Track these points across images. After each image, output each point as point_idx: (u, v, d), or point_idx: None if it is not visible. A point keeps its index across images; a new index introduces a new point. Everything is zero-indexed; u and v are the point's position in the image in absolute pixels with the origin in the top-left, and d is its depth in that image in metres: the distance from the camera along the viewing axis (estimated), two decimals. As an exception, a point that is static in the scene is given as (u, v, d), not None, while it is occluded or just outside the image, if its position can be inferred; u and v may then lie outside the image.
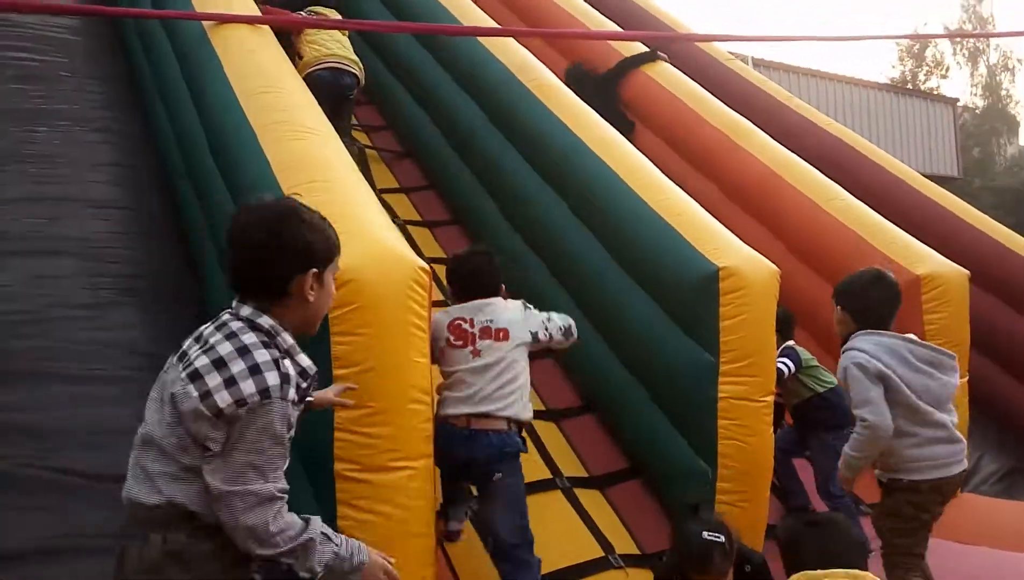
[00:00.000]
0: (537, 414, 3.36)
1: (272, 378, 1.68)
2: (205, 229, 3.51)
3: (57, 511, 2.65)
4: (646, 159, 4.00)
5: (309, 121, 3.07)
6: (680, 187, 3.82)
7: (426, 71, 5.32)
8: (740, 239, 3.47)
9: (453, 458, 2.69)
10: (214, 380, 1.66)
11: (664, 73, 5.63)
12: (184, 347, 1.81)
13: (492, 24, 5.11)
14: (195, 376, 1.68)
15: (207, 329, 1.80)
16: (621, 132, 4.26)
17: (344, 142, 3.30)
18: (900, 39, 25.89)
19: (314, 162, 2.83)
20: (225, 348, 1.70)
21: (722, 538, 2.47)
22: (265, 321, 1.77)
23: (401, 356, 2.41)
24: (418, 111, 5.48)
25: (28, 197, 3.88)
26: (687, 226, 3.48)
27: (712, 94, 5.43)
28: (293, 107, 3.13)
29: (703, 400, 3.25)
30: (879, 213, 4.44)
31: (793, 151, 4.89)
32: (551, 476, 3.54)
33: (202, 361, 1.68)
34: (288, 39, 4.69)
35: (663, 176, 3.86)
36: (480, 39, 4.79)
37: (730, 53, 7.15)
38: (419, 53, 5.40)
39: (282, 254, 1.76)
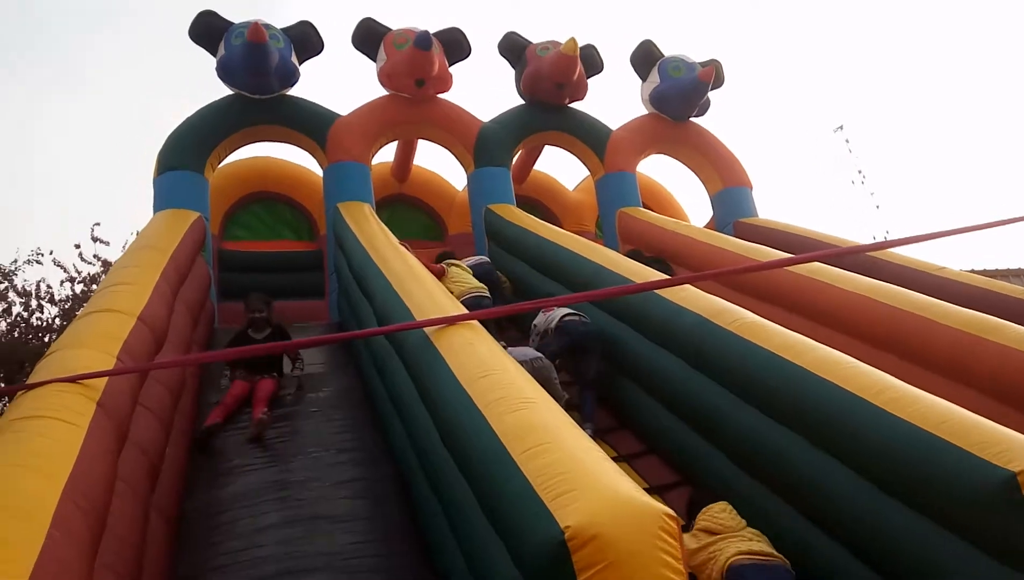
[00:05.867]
0: None
1: None
2: (442, 515, 3.53)
3: None
4: (877, 370, 3.67)
5: (527, 393, 3.15)
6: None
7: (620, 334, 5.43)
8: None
9: None
10: None
11: (880, 289, 5.42)
12: None
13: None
14: None
15: None
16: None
17: None
18: None
19: (536, 427, 2.85)
20: None
21: None
22: None
23: (664, 616, 2.13)
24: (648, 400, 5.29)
25: (286, 521, 4.16)
26: (958, 433, 3.01)
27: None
28: (510, 384, 3.25)
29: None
30: None
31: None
32: None
33: None
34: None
35: (908, 386, 3.47)
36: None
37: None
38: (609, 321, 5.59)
39: None
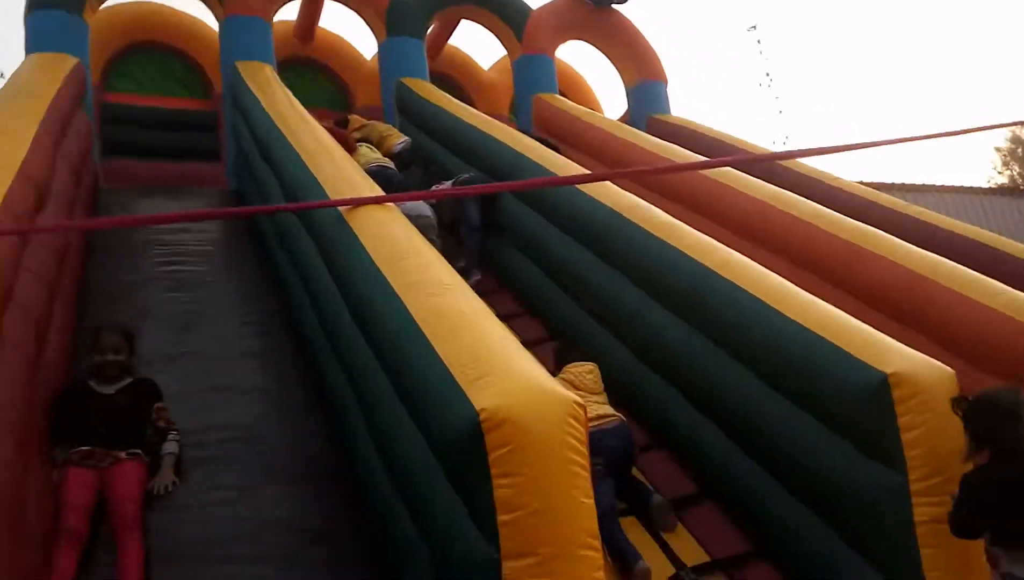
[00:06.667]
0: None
1: None
2: (349, 395, 3.56)
3: None
4: (776, 275, 3.88)
5: (445, 279, 3.15)
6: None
7: (534, 227, 5.52)
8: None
9: None
10: None
11: (780, 196, 5.64)
12: None
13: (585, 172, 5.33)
14: None
15: None
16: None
17: None
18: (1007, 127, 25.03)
19: (452, 312, 2.87)
20: None
21: None
22: None
23: (567, 497, 2.28)
24: (530, 266, 5.61)
25: (184, 390, 4.08)
26: (841, 335, 3.26)
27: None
28: (427, 268, 3.23)
29: (897, 525, 2.88)
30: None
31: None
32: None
33: None
34: None
35: (801, 290, 3.70)
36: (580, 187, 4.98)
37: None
38: (524, 211, 5.65)
39: None
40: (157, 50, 8.93)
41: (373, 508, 3.27)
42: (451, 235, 6.15)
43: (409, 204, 5.11)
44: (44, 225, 4.10)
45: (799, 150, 5.49)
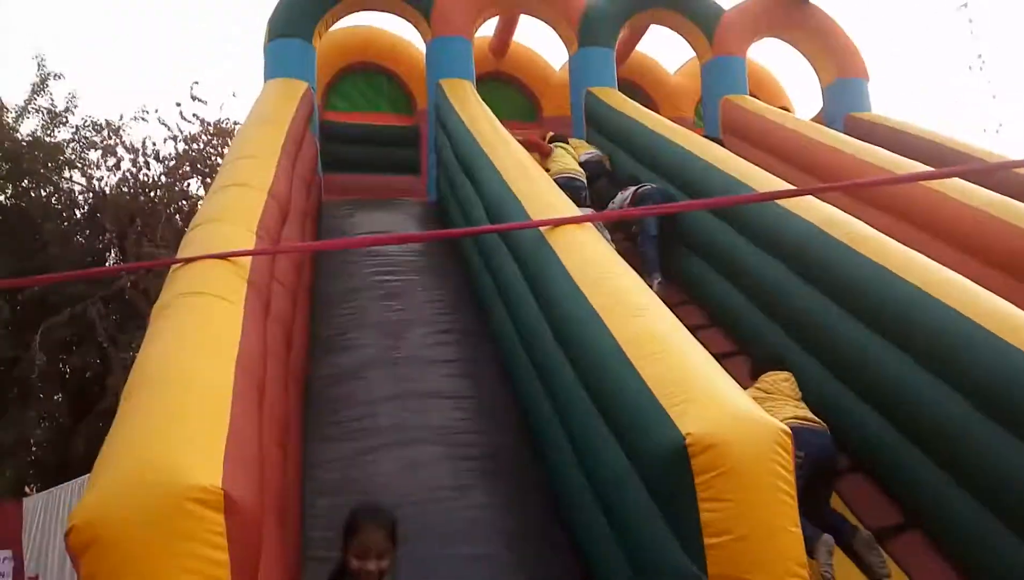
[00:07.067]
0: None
1: None
2: (548, 408, 3.78)
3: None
4: (995, 296, 3.63)
5: (642, 300, 3.28)
6: None
7: (723, 239, 5.49)
8: None
9: None
10: None
11: (1002, 205, 5.24)
12: None
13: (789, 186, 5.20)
14: None
15: None
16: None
17: None
18: None
19: (654, 334, 2.99)
20: None
21: None
22: None
23: (775, 524, 2.32)
24: (720, 280, 5.58)
25: (397, 394, 4.51)
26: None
27: None
28: (626, 290, 3.38)
29: None
30: None
31: None
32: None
33: None
34: None
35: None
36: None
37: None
38: (714, 224, 5.63)
39: None
40: (368, 70, 9.76)
41: (570, 513, 3.47)
42: (629, 241, 6.35)
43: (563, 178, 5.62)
44: (293, 245, 4.69)
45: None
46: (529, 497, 3.74)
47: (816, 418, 3.86)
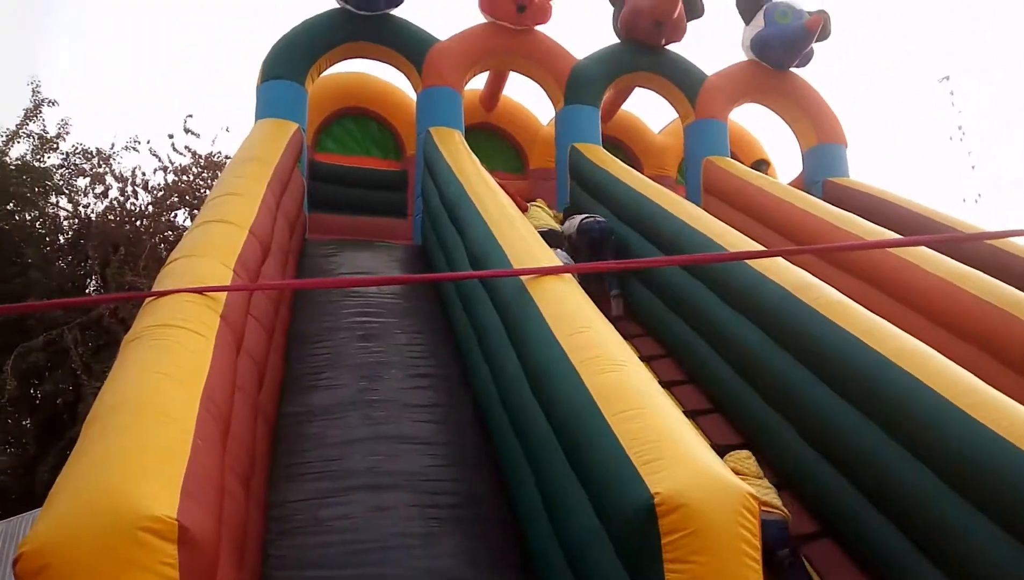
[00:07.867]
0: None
1: None
2: (522, 459, 3.76)
3: None
4: (960, 369, 3.70)
5: (619, 355, 3.31)
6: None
7: (698, 298, 5.57)
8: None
9: None
10: None
11: (969, 277, 5.36)
12: None
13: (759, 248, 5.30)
14: None
15: None
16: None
17: None
18: None
19: (628, 389, 3.01)
20: None
21: None
22: None
23: (739, 587, 2.32)
24: (695, 338, 5.63)
25: (370, 437, 4.47)
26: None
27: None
28: (604, 343, 3.40)
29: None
30: None
31: None
32: None
33: None
34: None
35: (992, 390, 3.50)
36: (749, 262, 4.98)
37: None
38: (688, 282, 5.71)
39: None
40: (359, 115, 9.90)
41: (538, 566, 3.43)
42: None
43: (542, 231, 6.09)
44: (270, 283, 4.69)
45: (1011, 230, 5.10)
46: (496, 550, 3.70)
47: (775, 504, 3.92)
